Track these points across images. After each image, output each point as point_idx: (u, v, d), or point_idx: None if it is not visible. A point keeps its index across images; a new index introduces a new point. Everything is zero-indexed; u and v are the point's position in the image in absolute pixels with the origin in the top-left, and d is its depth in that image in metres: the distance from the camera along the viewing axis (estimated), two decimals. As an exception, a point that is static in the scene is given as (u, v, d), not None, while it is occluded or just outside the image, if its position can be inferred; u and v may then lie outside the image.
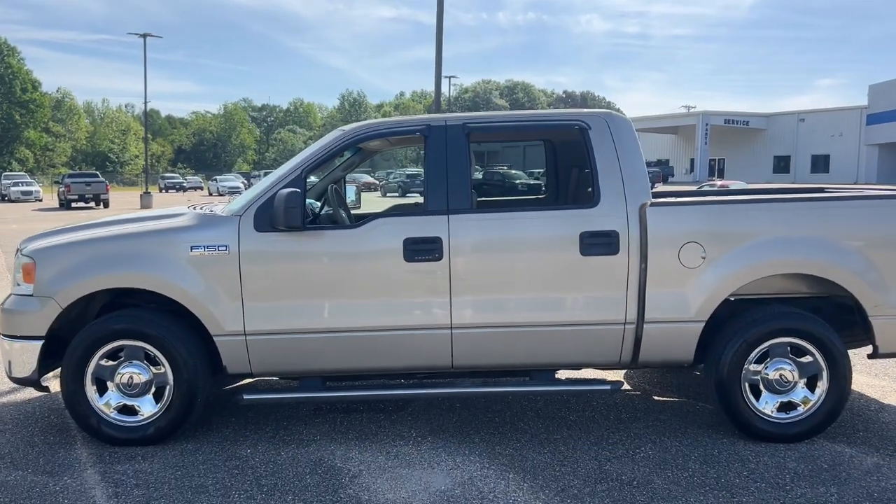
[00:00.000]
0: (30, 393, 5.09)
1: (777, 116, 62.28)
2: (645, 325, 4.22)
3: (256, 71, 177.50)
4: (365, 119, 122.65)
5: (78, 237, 4.38)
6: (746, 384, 4.25)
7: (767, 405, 4.27)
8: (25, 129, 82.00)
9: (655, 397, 5.18)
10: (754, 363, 4.24)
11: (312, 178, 5.01)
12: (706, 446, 4.20)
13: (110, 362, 4.17)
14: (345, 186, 5.55)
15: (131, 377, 4.16)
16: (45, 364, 4.22)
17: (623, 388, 5.09)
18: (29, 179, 48.75)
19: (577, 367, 4.54)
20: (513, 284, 4.22)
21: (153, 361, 4.17)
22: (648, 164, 52.13)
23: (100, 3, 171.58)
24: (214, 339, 4.15)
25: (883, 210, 4.35)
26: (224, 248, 4.13)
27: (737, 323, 4.26)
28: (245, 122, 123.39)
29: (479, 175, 6.34)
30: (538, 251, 4.22)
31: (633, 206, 4.20)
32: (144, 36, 37.53)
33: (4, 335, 4.26)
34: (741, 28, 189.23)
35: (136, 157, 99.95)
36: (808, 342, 4.21)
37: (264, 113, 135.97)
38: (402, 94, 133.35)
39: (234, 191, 51.51)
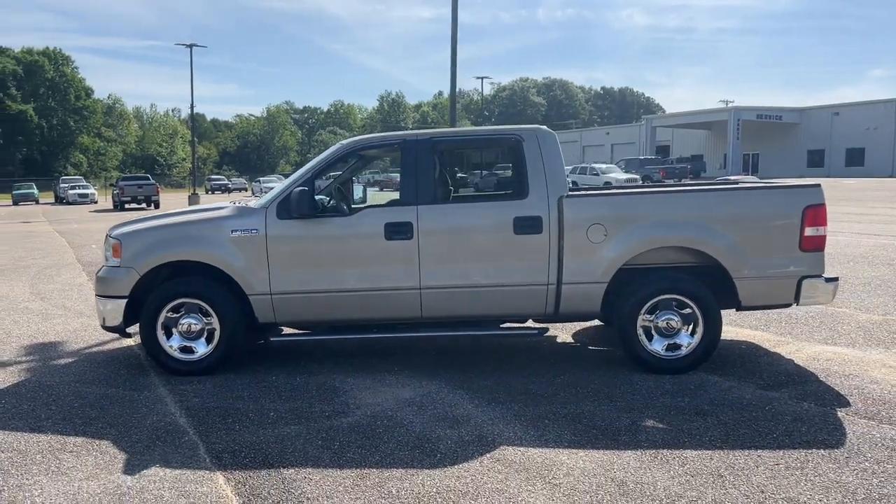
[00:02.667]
0: (117, 342, 6.77)
1: (810, 111, 62.43)
2: (563, 286, 5.69)
3: (298, 74, 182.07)
4: (403, 119, 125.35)
5: (151, 224, 6.02)
6: (641, 330, 5.68)
7: (658, 346, 5.70)
8: (79, 134, 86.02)
9: (590, 347, 6.63)
10: (646, 314, 5.67)
11: (323, 181, 6.58)
12: (609, 376, 5.64)
13: (174, 315, 5.78)
14: (352, 185, 7.11)
15: (190, 325, 5.78)
16: (128, 316, 5.85)
17: (569, 341, 6.54)
18: (85, 183, 51.61)
19: (517, 318, 6.00)
20: (465, 256, 5.72)
21: (205, 314, 5.77)
22: (679, 161, 53.04)
23: (149, 12, 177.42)
24: (249, 297, 5.74)
25: (743, 199, 5.77)
26: (256, 231, 5.71)
27: (633, 284, 5.70)
28: (287, 125, 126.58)
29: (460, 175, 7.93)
30: (483, 232, 5.73)
31: (553, 197, 5.66)
32: (191, 46, 39.97)
33: (99, 296, 5.92)
34: (786, 19, 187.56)
35: (184, 159, 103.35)
36: (687, 298, 5.63)
37: (306, 115, 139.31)
38: (440, 93, 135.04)
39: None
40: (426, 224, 5.68)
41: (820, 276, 5.66)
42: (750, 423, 4.57)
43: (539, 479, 3.81)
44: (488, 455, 4.13)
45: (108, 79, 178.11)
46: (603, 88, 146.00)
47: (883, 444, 4.21)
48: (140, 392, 5.41)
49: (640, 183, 34.26)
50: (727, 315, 7.43)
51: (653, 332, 5.69)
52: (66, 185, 49.68)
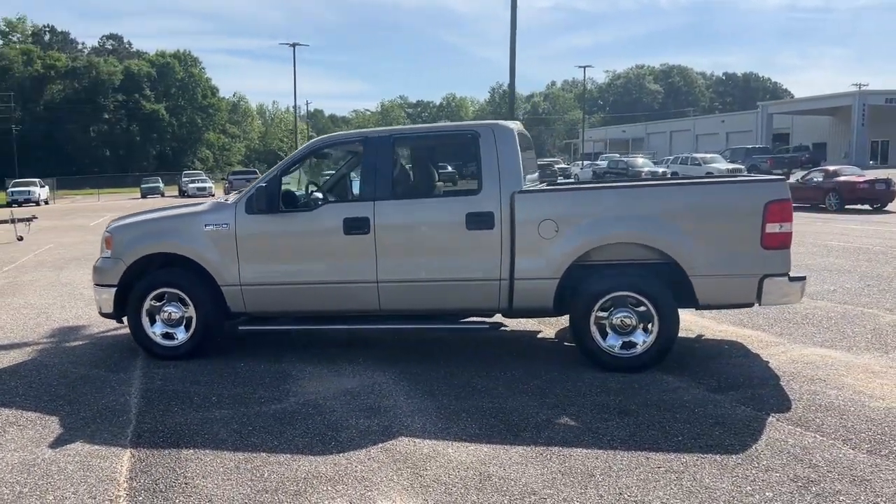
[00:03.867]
0: (115, 329, 7.36)
1: (952, 94, 57.04)
2: (515, 281, 5.69)
3: (413, 68, 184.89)
4: (515, 111, 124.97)
5: (140, 219, 6.50)
6: (595, 327, 5.60)
7: (613, 343, 5.60)
8: (206, 131, 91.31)
9: (565, 343, 6.57)
10: (600, 311, 5.58)
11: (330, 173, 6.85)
12: (560, 373, 5.60)
13: (157, 303, 6.23)
14: (350, 181, 7.35)
15: (170, 314, 6.20)
16: (119, 304, 6.34)
17: (549, 337, 6.50)
18: (203, 177, 54.91)
19: (471, 313, 6.04)
20: (420, 251, 5.83)
21: (184, 303, 6.18)
22: (797, 149, 50.01)
23: (278, 13, 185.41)
24: (221, 288, 6.10)
25: (699, 194, 5.57)
26: (226, 226, 6.06)
27: (587, 281, 5.62)
28: (401, 119, 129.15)
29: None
30: (437, 227, 5.81)
31: (505, 193, 5.67)
32: (293, 45, 41.76)
33: (96, 285, 6.46)
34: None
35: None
36: (641, 295, 5.50)
37: (419, 108, 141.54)
38: (553, 83, 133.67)
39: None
40: (382, 219, 5.83)
41: (784, 274, 5.38)
42: (665, 425, 4.46)
43: (408, 470, 3.90)
44: (380, 445, 4.25)
45: (238, 77, 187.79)
46: (725, 74, 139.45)
47: (787, 452, 4.01)
48: (116, 374, 5.88)
49: (742, 173, 32.72)
50: (729, 312, 7.22)
51: (608, 329, 5.60)
52: (188, 179, 53.02)
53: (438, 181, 6.40)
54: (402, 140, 6.09)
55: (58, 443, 4.42)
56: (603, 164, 44.48)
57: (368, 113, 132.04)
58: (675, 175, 32.23)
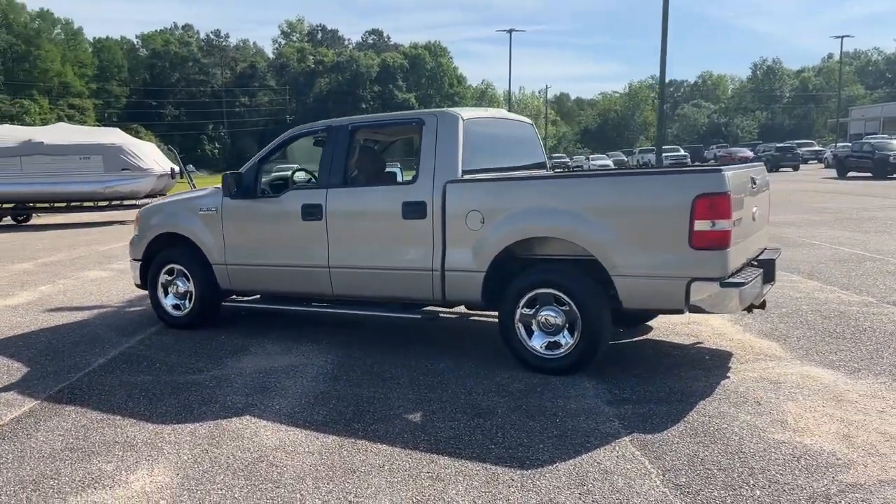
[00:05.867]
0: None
1: None
2: (446, 273, 5.56)
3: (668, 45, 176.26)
4: (778, 88, 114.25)
5: (163, 202, 7.30)
6: (521, 324, 5.30)
7: (538, 343, 5.26)
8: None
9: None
10: (525, 308, 5.27)
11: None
12: (477, 367, 5.40)
13: (169, 277, 7.00)
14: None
15: (178, 287, 6.95)
16: (144, 276, 7.20)
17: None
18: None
19: (411, 302, 5.93)
20: (363, 239, 5.91)
21: (188, 278, 6.88)
22: None
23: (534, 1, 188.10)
24: (212, 266, 6.69)
25: (623, 187, 4.98)
26: (215, 209, 6.63)
27: (514, 276, 5.33)
28: (649, 99, 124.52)
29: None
30: (376, 216, 5.85)
31: (439, 183, 5.54)
32: (510, 31, 42.24)
33: (130, 259, 7.40)
34: None
35: (545, 138, 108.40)
36: (563, 293, 5.10)
37: (671, 88, 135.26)
38: (829, 56, 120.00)
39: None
40: (332, 206, 6.00)
41: (714, 279, 4.66)
42: (499, 431, 4.18)
43: (202, 447, 4.10)
44: (210, 422, 4.47)
45: (489, 65, 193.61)
46: None
47: (588, 475, 3.59)
48: (119, 337, 6.73)
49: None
50: (765, 319, 6.43)
51: (534, 327, 5.28)
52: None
53: (386, 170, 6.38)
54: (358, 129, 6.18)
55: (-9, 391, 5.26)
56: (848, 147, 39.19)
57: (617, 95, 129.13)
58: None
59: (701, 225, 4.63)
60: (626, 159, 61.19)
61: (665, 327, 6.49)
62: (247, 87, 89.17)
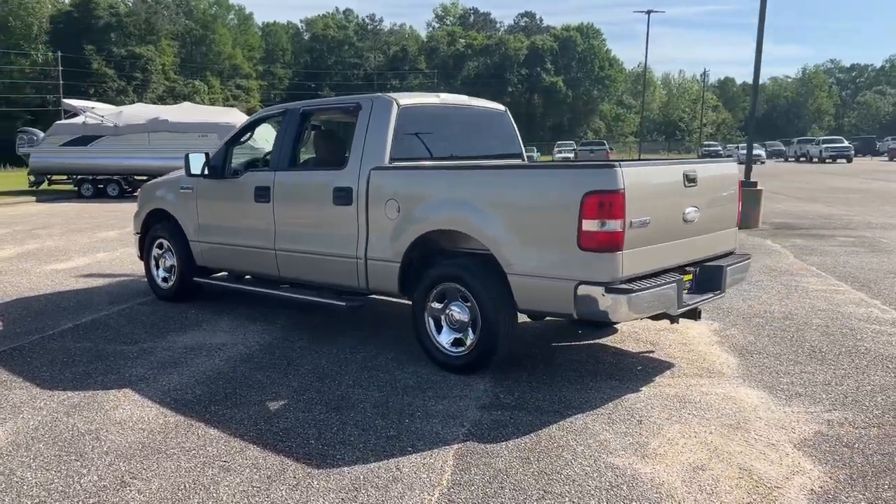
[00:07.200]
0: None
1: None
2: (368, 261, 5.43)
3: (855, 27, 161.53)
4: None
5: (159, 180, 7.64)
6: (431, 319, 5.10)
7: (445, 339, 5.04)
8: (601, 102, 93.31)
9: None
10: (436, 302, 5.05)
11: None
12: (389, 360, 5.26)
13: (159, 251, 7.35)
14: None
15: (165, 260, 7.29)
16: (142, 249, 7.61)
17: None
18: (571, 146, 56.75)
19: (343, 289, 5.82)
20: (301, 223, 5.90)
21: (172, 254, 7.19)
22: None
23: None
24: (189, 242, 6.95)
25: (515, 180, 4.62)
26: (191, 188, 6.86)
27: (426, 268, 5.12)
28: (825, 86, 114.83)
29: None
30: (311, 200, 5.80)
31: (365, 169, 5.40)
32: (648, 12, 40.25)
33: (133, 232, 7.84)
34: None
35: (705, 125, 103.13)
36: (466, 289, 4.84)
37: (853, 73, 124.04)
38: None
39: (753, 158, 50.50)
40: (278, 189, 6.03)
41: (600, 283, 4.23)
42: (337, 427, 4.06)
43: (54, 415, 4.29)
44: (89, 393, 4.64)
45: (654, 47, 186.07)
46: None
47: (371, 483, 3.41)
48: (108, 306, 7.15)
49: None
50: (733, 331, 5.83)
51: (442, 322, 5.06)
52: (557, 149, 55.36)
53: (325, 154, 6.27)
54: (308, 112, 6.13)
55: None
56: None
57: (789, 80, 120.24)
58: None
59: (589, 225, 4.22)
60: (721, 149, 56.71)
61: (631, 332, 6.00)
62: (398, 70, 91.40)
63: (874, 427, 4.06)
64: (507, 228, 4.58)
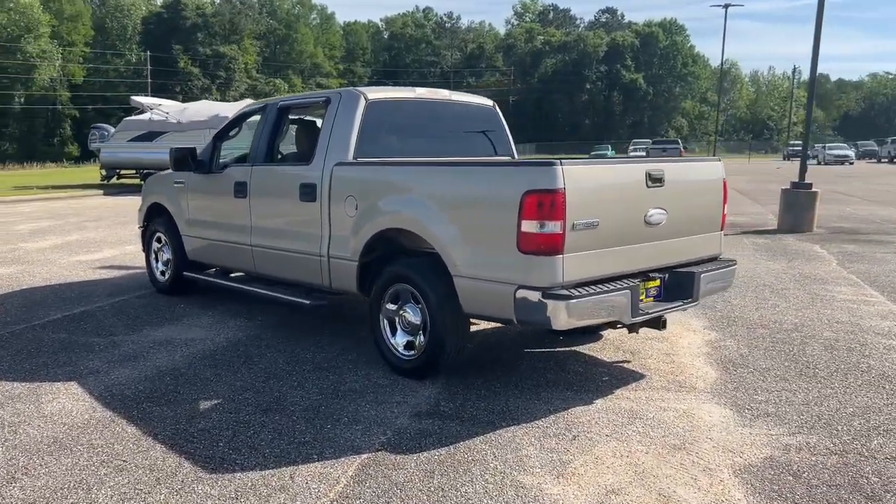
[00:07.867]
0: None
1: None
2: (331, 259, 5.28)
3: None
4: None
5: (158, 174, 7.70)
6: (386, 321, 4.91)
7: (399, 341, 4.84)
8: (683, 99, 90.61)
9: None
10: (391, 303, 4.85)
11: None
12: (346, 362, 5.10)
13: (158, 245, 7.42)
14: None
15: (163, 253, 7.34)
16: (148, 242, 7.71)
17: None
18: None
19: (312, 287, 5.66)
20: (273, 218, 5.80)
21: (168, 247, 7.24)
22: None
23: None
24: (181, 236, 6.98)
25: (458, 177, 4.38)
26: (183, 183, 6.89)
27: (382, 268, 4.93)
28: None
29: None
30: (281, 196, 5.69)
31: (329, 164, 5.25)
32: (726, 6, 38.61)
33: (138, 226, 7.95)
34: None
35: (795, 123, 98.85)
36: (416, 290, 4.63)
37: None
38: None
39: (840, 159, 48.03)
40: (253, 184, 5.96)
41: (538, 288, 3.94)
42: (256, 432, 3.92)
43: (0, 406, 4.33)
44: (33, 385, 4.67)
45: (740, 42, 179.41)
46: None
47: (255, 492, 3.26)
48: (97, 298, 7.24)
49: None
50: (729, 342, 5.41)
51: (397, 324, 4.87)
52: (632, 147, 53.94)
53: (298, 149, 6.13)
54: (284, 108, 6.01)
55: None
56: None
57: (890, 77, 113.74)
58: None
59: (528, 226, 3.94)
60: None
61: (614, 339, 5.66)
62: (474, 68, 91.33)
63: (835, 455, 3.64)
64: (453, 228, 4.34)
